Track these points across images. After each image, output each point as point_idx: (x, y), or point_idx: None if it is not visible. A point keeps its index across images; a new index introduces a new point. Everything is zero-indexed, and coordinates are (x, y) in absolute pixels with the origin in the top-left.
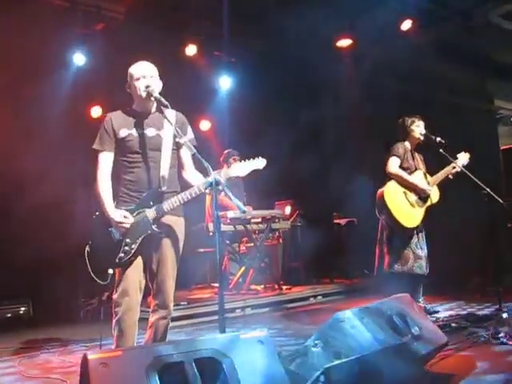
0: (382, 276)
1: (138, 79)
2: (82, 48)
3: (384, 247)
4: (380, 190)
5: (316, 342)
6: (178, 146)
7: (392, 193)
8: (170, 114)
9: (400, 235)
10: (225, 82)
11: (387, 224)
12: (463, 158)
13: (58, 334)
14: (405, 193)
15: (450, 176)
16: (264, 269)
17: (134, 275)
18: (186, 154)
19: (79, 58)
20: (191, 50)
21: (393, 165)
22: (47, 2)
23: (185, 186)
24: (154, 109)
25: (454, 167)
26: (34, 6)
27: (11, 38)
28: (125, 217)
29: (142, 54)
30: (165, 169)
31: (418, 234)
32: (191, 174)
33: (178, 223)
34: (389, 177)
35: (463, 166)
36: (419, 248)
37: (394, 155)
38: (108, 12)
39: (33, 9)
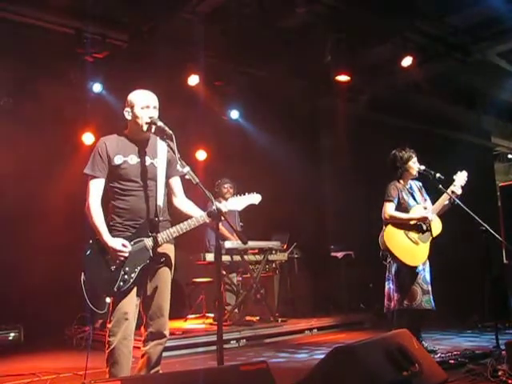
0: (392, 313)
1: (141, 108)
2: (98, 76)
3: (392, 284)
4: (381, 235)
5: (315, 375)
6: (168, 175)
7: (392, 236)
8: (163, 143)
9: (407, 271)
10: (226, 113)
11: (394, 261)
12: (461, 178)
13: (49, 361)
14: (405, 233)
15: (450, 201)
16: (260, 300)
17: (131, 303)
18: (177, 182)
19: (97, 87)
20: (193, 79)
21: (387, 210)
22: (53, 30)
23: (176, 212)
24: (149, 137)
25: (453, 191)
26: (40, 32)
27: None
28: (123, 245)
29: (143, 82)
30: (160, 198)
31: (423, 269)
32: (183, 202)
33: (171, 250)
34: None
35: (461, 187)
36: (425, 282)
37: (386, 200)
38: (113, 40)
39: (40, 36)
